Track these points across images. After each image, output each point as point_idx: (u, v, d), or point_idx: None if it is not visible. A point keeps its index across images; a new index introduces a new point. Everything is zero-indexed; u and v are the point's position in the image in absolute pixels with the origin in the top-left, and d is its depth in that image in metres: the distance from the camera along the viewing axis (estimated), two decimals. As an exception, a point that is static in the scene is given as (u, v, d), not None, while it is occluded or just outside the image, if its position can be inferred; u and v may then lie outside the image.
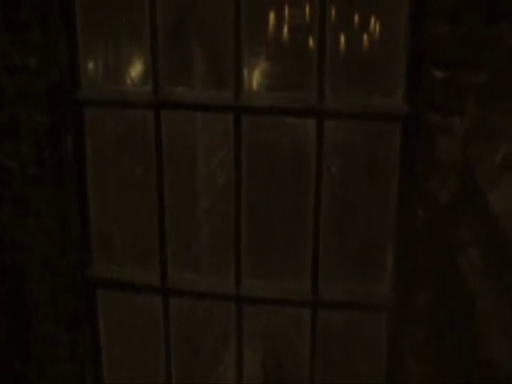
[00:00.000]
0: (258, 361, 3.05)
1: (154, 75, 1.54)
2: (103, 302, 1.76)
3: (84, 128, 1.62)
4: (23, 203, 1.58)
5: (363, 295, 1.65)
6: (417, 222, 1.44)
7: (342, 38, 3.10)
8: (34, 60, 1.48)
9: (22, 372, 1.70)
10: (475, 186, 1.32)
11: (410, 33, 1.42)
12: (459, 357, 1.41)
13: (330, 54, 1.48)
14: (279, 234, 3.14)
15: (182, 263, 1.80)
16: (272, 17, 3.22)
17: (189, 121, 2.87)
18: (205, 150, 3.15)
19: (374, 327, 1.69)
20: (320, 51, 1.48)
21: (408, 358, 1.52)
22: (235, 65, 1.51)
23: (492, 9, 1.30)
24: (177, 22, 2.62)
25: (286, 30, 3.31)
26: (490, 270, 1.24)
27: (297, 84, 1.64)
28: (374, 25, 3.14)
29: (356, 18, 3.20)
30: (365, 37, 3.16)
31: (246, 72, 1.57)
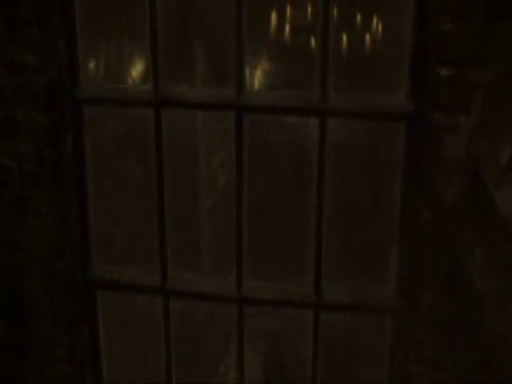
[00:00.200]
0: (259, 362, 3.04)
1: (155, 73, 1.53)
2: (103, 303, 1.75)
3: (83, 127, 1.61)
4: (22, 203, 1.57)
5: (366, 297, 1.63)
6: (421, 222, 1.43)
7: (346, 37, 3.09)
8: (33, 57, 1.47)
9: (20, 374, 1.69)
10: (481, 186, 1.30)
11: (415, 30, 1.41)
12: (465, 360, 1.39)
13: (332, 53, 1.47)
14: (281, 235, 3.13)
15: (182, 264, 1.80)
16: (274, 16, 3.22)
17: (190, 120, 2.86)
18: (206, 150, 3.14)
19: (378, 329, 1.67)
20: (323, 49, 1.46)
21: (412, 361, 1.51)
22: (237, 63, 1.50)
23: (497, 6, 1.28)
24: (178, 19, 2.62)
25: (288, 28, 3.30)
26: (497, 272, 1.22)
27: (299, 82, 1.63)
28: (378, 23, 3.13)
29: (360, 16, 3.19)
30: (368, 35, 3.15)
31: (247, 70, 1.56)
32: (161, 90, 1.54)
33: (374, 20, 3.14)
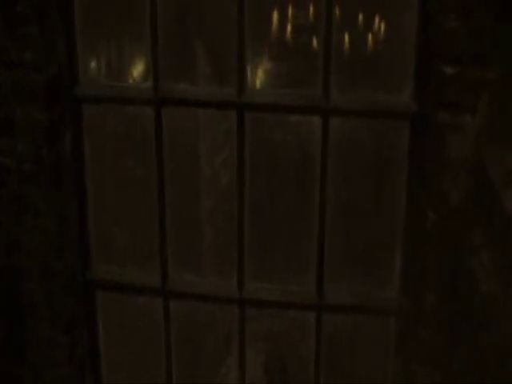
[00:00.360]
0: (261, 364, 3.04)
1: (155, 71, 1.52)
2: (102, 304, 1.75)
3: (83, 125, 1.61)
4: (20, 202, 1.57)
5: (370, 298, 1.63)
6: (426, 223, 1.42)
7: (349, 35, 3.08)
8: (32, 55, 1.46)
9: (19, 375, 1.69)
10: (487, 186, 1.29)
11: (419, 28, 1.40)
12: (469, 361, 1.39)
13: (335, 51, 1.47)
14: (283, 235, 3.13)
15: (183, 264, 1.79)
16: (276, 15, 3.21)
17: (191, 119, 2.85)
18: (207, 149, 3.13)
19: (381, 331, 1.67)
20: (326, 48, 1.46)
21: (416, 363, 1.51)
22: (238, 60, 1.49)
23: (503, 3, 1.28)
24: (178, 17, 2.61)
25: (290, 27, 3.29)
26: (503, 273, 1.22)
27: (302, 81, 1.62)
28: (382, 21, 3.12)
29: (363, 14, 3.18)
30: (372, 33, 3.14)
31: (249, 69, 1.55)
32: (161, 89, 1.54)
33: (378, 18, 3.13)
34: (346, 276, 1.74)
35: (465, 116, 1.32)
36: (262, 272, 1.72)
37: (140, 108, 1.64)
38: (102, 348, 1.78)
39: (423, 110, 1.42)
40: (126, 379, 2.06)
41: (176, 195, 1.71)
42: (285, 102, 1.54)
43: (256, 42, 1.57)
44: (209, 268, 2.97)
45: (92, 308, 1.73)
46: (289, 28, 3.29)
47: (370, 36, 3.15)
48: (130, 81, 2.47)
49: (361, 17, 3.19)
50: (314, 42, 3.16)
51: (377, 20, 3.15)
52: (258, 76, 3.38)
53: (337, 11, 1.45)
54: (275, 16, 3.22)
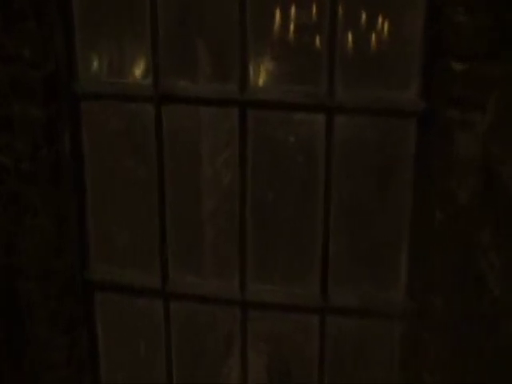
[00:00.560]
0: (263, 368, 3.03)
1: (155, 67, 1.51)
2: (101, 305, 1.74)
3: (81, 123, 1.60)
4: (18, 201, 1.56)
5: (375, 301, 1.61)
6: (434, 223, 1.40)
7: (354, 30, 3.06)
8: (30, 51, 1.45)
9: (16, 378, 1.68)
10: (497, 185, 1.28)
11: (426, 23, 1.38)
12: (479, 368, 1.37)
13: (340, 47, 1.45)
14: (286, 236, 3.11)
15: (184, 265, 1.78)
16: (278, 11, 3.20)
17: (192, 117, 2.84)
18: (209, 148, 3.13)
19: (387, 334, 1.65)
20: (330, 43, 1.44)
21: (423, 369, 1.49)
22: (240, 56, 1.48)
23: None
24: (180, 12, 2.60)
25: (294, 23, 3.27)
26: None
27: (306, 78, 1.61)
28: (388, 16, 3.10)
29: (369, 9, 3.16)
30: (378, 29, 3.12)
31: (251, 65, 1.53)
32: (161, 85, 1.52)
33: (384, 14, 3.11)
34: (351, 278, 1.73)
35: (474, 113, 1.31)
36: (264, 273, 1.71)
37: (140, 105, 1.63)
38: (102, 350, 1.77)
39: (431, 108, 1.40)
40: (125, 381, 2.06)
41: (177, 195, 1.70)
42: (288, 100, 1.52)
43: (258, 37, 1.56)
44: (210, 269, 2.97)
45: (91, 309, 1.72)
46: (293, 24, 3.28)
47: (375, 32, 3.13)
48: (130, 77, 2.47)
49: (366, 12, 3.17)
50: (318, 38, 3.14)
51: (382, 15, 3.13)
52: (261, 72, 3.36)
53: (341, 7, 1.43)
54: (278, 12, 3.20)
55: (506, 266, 1.24)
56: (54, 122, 1.55)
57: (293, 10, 3.26)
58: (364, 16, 3.15)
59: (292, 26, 3.26)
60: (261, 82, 3.30)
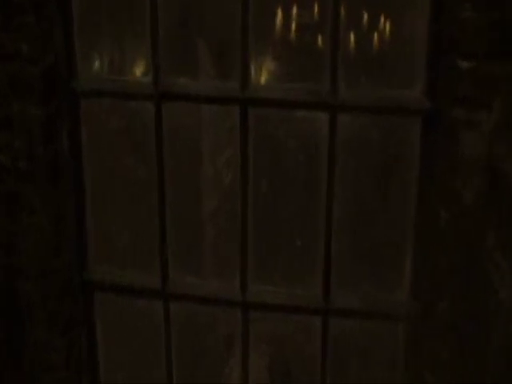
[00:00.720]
0: (265, 369, 3.02)
1: (155, 64, 1.51)
2: (100, 306, 1.74)
3: (80, 120, 1.59)
4: (16, 200, 1.56)
5: (379, 302, 1.60)
6: (438, 223, 1.39)
7: (358, 28, 3.05)
8: (28, 47, 1.45)
9: (14, 378, 1.68)
10: (503, 185, 1.27)
11: (431, 20, 1.37)
12: (484, 372, 1.36)
13: (343, 45, 1.44)
14: (288, 236, 3.11)
15: (184, 265, 1.77)
16: (280, 8, 3.18)
17: (193, 116, 2.84)
18: (210, 147, 3.12)
19: (390, 337, 1.65)
20: (333, 41, 1.43)
21: (427, 373, 1.48)
22: (242, 54, 1.47)
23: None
24: (180, 9, 2.59)
25: (296, 21, 3.26)
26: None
27: (308, 76, 1.60)
28: (392, 13, 3.08)
29: (372, 6, 3.15)
30: (382, 26, 3.10)
31: (253, 62, 1.53)
32: (161, 83, 1.52)
33: (388, 10, 3.09)
34: (354, 279, 1.72)
35: (480, 112, 1.30)
36: (266, 274, 1.70)
37: (140, 103, 1.63)
38: (100, 351, 1.77)
39: (436, 106, 1.39)
40: (125, 383, 2.05)
41: (177, 194, 1.69)
42: (290, 98, 1.51)
43: (260, 36, 1.55)
44: (211, 269, 2.96)
45: (90, 310, 1.72)
46: (294, 23, 3.26)
47: (379, 29, 3.12)
48: (130, 75, 2.46)
49: (369, 9, 3.15)
50: (321, 37, 3.13)
51: (386, 12, 3.11)
52: (263, 72, 3.35)
53: (344, 5, 1.42)
54: (279, 11, 3.19)
55: (512, 267, 1.23)
56: (53, 119, 1.54)
57: (294, 10, 3.24)
58: (367, 13, 3.13)
59: (294, 26, 3.24)
60: (262, 78, 3.28)
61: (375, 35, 3.13)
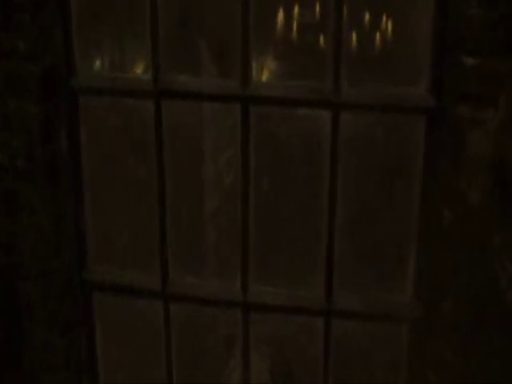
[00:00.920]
0: (266, 371, 3.01)
1: (155, 61, 1.50)
2: (100, 306, 1.73)
3: (79, 119, 1.59)
4: (14, 199, 1.55)
5: (382, 304, 1.59)
6: (442, 223, 1.38)
7: (361, 26, 3.03)
8: (27, 45, 1.44)
9: (13, 379, 1.67)
10: (510, 184, 1.25)
11: (437, 16, 1.36)
12: (489, 374, 1.35)
13: (346, 42, 1.43)
14: (290, 236, 3.09)
15: (184, 266, 1.77)
16: (282, 6, 3.17)
17: (193, 114, 2.83)
18: (210, 146, 3.11)
19: (393, 338, 1.63)
20: (336, 38, 1.42)
21: (431, 375, 1.47)
22: (243, 51, 1.46)
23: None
24: (180, 5, 2.58)
25: (296, 22, 3.24)
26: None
27: (310, 73, 1.59)
28: (396, 9, 3.06)
29: (375, 3, 3.13)
30: (385, 22, 3.08)
31: (254, 59, 1.52)
32: (161, 80, 1.51)
33: (392, 6, 3.07)
34: (357, 280, 1.71)
35: (486, 110, 1.28)
36: (267, 275, 1.69)
37: (139, 101, 1.62)
38: (100, 352, 1.76)
39: (440, 104, 1.38)
40: (124, 383, 2.05)
41: (177, 193, 1.68)
42: (292, 95, 1.50)
43: (261, 33, 1.54)
44: (211, 270, 2.95)
45: (90, 310, 1.71)
46: (296, 22, 3.25)
47: (383, 26, 3.10)
48: (130, 72, 2.45)
49: (373, 6, 3.13)
50: (323, 35, 3.11)
51: (391, 9, 3.09)
52: (264, 69, 3.33)
53: (347, 2, 1.41)
54: (281, 11, 3.18)
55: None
56: (51, 118, 1.53)
57: (296, 9, 3.23)
58: (371, 10, 3.11)
59: (295, 25, 3.23)
60: (264, 75, 3.26)
61: (379, 32, 3.11)
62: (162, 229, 1.62)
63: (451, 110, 1.34)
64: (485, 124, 1.30)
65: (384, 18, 3.11)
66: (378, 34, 3.12)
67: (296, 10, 3.24)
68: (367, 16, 3.12)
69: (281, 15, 3.20)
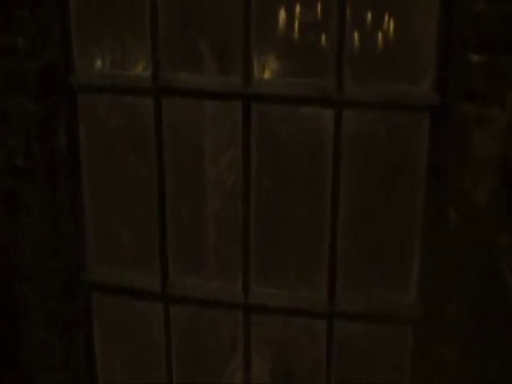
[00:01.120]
0: (267, 373, 3.01)
1: (154, 59, 1.49)
2: (99, 307, 1.73)
3: (78, 117, 1.58)
4: (12, 199, 1.55)
5: (386, 305, 1.58)
6: (447, 224, 1.37)
7: (364, 23, 3.02)
8: (25, 42, 1.44)
9: (12, 379, 1.67)
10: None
11: (442, 12, 1.35)
12: (493, 375, 1.34)
13: (349, 39, 1.42)
14: (292, 237, 3.08)
15: (184, 267, 1.76)
16: (284, 8, 3.16)
17: (193, 112, 2.82)
18: (211, 145, 3.10)
19: (397, 340, 1.62)
20: (339, 35, 1.41)
21: (435, 377, 1.46)
22: (244, 48, 1.45)
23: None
24: (181, 4, 2.57)
25: (298, 20, 3.23)
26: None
27: (313, 71, 1.58)
28: (402, 5, 3.04)
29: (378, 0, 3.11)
30: (389, 18, 3.07)
31: (256, 56, 1.50)
32: (161, 77, 1.50)
33: (397, 3, 3.05)
34: (360, 281, 1.69)
35: (492, 108, 1.27)
36: (268, 276, 1.68)
37: (139, 98, 1.61)
38: (99, 353, 1.76)
39: (445, 101, 1.37)
40: (123, 385, 2.04)
41: (177, 193, 1.68)
42: (294, 93, 1.49)
43: (262, 32, 1.53)
44: (212, 271, 2.94)
45: (89, 311, 1.71)
46: (298, 21, 3.24)
47: (385, 23, 3.08)
48: (129, 70, 2.44)
49: (376, 4, 3.12)
50: (325, 33, 3.10)
51: (395, 6, 3.07)
52: (266, 68, 3.32)
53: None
54: (282, 10, 3.16)
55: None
56: (50, 116, 1.53)
57: (298, 8, 3.21)
58: (374, 8, 3.10)
59: (297, 24, 3.21)
60: (266, 73, 3.25)
61: (382, 30, 3.10)
62: (162, 228, 1.61)
63: (456, 108, 1.33)
64: (491, 122, 1.28)
65: (387, 16, 3.10)
66: (381, 32, 3.11)
67: (298, 8, 3.23)
68: (370, 14, 3.10)
69: (282, 14, 3.19)
